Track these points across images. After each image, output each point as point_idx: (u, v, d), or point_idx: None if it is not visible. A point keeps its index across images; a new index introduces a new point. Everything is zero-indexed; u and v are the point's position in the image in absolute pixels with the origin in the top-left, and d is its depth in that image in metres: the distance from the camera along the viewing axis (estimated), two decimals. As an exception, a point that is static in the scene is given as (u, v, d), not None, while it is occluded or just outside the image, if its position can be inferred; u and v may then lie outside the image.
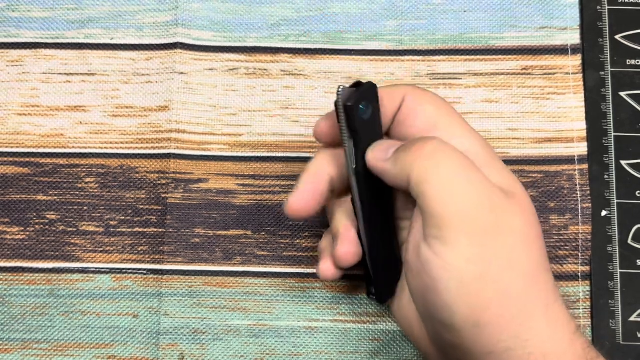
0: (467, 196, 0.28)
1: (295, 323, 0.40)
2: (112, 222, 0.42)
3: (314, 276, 0.40)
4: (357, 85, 0.32)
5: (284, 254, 0.41)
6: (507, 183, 0.31)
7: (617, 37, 0.44)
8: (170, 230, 0.41)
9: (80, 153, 0.43)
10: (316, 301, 0.40)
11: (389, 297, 0.35)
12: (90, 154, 0.43)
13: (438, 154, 0.29)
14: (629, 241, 0.41)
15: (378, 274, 0.35)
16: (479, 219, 0.28)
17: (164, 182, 0.42)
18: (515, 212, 0.30)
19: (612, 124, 0.43)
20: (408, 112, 0.33)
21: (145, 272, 0.41)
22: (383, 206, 0.34)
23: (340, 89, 0.30)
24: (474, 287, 0.28)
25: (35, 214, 0.42)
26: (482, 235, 0.28)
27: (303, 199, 0.33)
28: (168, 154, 0.42)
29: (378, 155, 0.31)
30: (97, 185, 0.42)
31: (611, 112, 0.43)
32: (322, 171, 0.34)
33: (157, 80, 0.44)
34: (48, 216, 0.42)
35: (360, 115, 0.31)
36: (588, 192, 0.42)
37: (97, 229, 0.42)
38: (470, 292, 0.28)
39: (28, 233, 0.42)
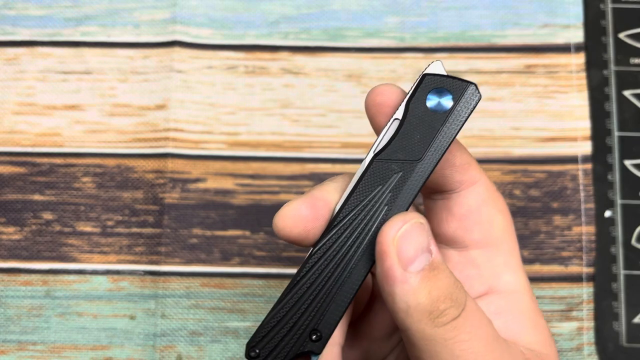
0: None
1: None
2: (108, 223, 0.41)
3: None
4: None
5: (283, 254, 0.41)
6: (541, 346, 0.25)
7: (621, 35, 0.44)
8: (168, 230, 0.41)
9: (77, 152, 0.42)
10: (316, 302, 0.40)
11: None
12: (87, 153, 0.42)
13: (459, 333, 0.22)
14: (633, 242, 0.41)
15: (283, 325, 0.24)
16: None
17: (162, 181, 0.42)
18: None
19: (615, 123, 0.42)
20: (472, 210, 0.26)
21: (142, 273, 0.41)
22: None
23: (435, 61, 0.25)
24: None
25: (31, 214, 0.41)
26: None
27: (313, 209, 0.24)
28: (165, 153, 0.42)
29: (404, 251, 0.22)
30: (93, 185, 0.42)
31: (615, 111, 0.42)
32: (331, 198, 0.25)
33: (155, 78, 0.43)
34: (44, 216, 0.41)
35: (429, 100, 0.24)
36: (591, 193, 0.41)
37: (94, 230, 0.41)
38: None
39: (24, 233, 0.41)
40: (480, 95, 0.24)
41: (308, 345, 0.23)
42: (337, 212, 0.24)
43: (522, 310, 0.25)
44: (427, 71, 0.24)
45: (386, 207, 0.23)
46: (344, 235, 0.24)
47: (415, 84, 0.24)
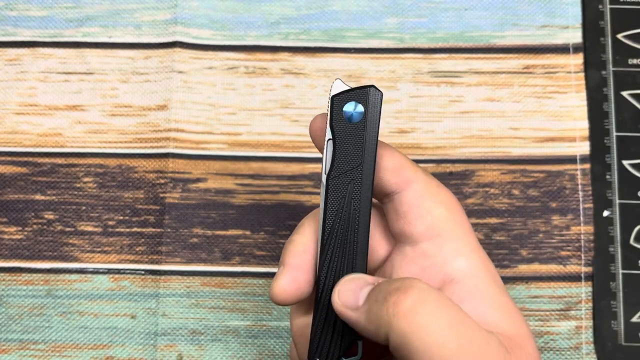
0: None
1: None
2: (110, 222, 0.41)
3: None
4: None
5: (284, 254, 0.41)
6: (511, 327, 0.26)
7: (619, 36, 0.44)
8: (169, 230, 0.41)
9: (78, 152, 0.43)
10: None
11: None
12: (89, 153, 0.42)
13: (420, 309, 0.24)
14: (631, 242, 0.41)
15: (325, 331, 0.28)
16: None
17: (162, 181, 0.42)
18: None
19: (614, 123, 0.42)
20: (412, 205, 0.28)
21: (143, 272, 0.41)
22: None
23: (335, 81, 0.28)
24: None
25: (33, 214, 0.42)
26: None
27: (294, 279, 0.28)
28: (166, 153, 0.42)
29: (346, 300, 0.26)
30: (95, 185, 0.42)
31: (613, 111, 0.43)
32: (312, 242, 0.28)
33: (156, 79, 0.43)
34: (46, 216, 0.42)
35: (345, 115, 0.28)
36: (590, 192, 0.41)
37: (95, 229, 0.41)
38: None
39: (26, 233, 0.41)
40: (382, 92, 0.28)
41: (351, 336, 0.27)
42: (321, 237, 0.28)
43: (482, 293, 0.27)
44: (332, 93, 0.28)
45: (355, 213, 0.28)
46: (335, 250, 0.28)
47: (329, 107, 0.28)
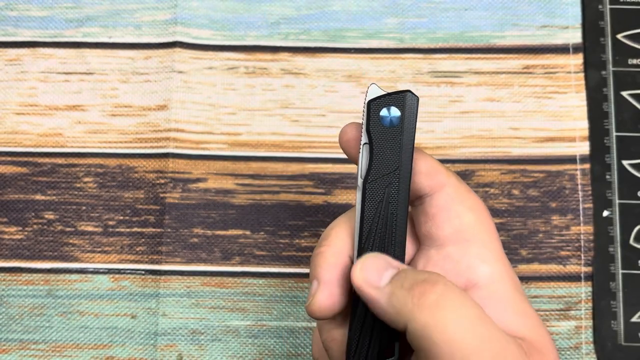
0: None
1: (295, 323, 0.40)
2: (110, 222, 0.41)
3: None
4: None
5: (283, 253, 0.41)
6: (532, 333, 0.27)
7: (619, 36, 0.44)
8: (169, 230, 0.41)
9: (79, 152, 0.43)
10: (316, 302, 0.40)
11: None
12: (89, 153, 0.43)
13: (444, 303, 0.24)
14: (631, 242, 0.41)
15: (363, 337, 0.28)
16: None
17: (163, 181, 0.42)
18: None
19: (613, 123, 0.42)
20: (441, 209, 0.28)
21: (143, 272, 0.41)
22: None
23: (371, 86, 0.28)
24: None
25: (33, 214, 0.42)
26: None
27: (331, 295, 0.27)
28: (166, 153, 0.42)
29: (368, 277, 0.26)
30: (95, 185, 0.42)
31: (613, 111, 0.43)
32: (343, 252, 0.28)
33: (156, 79, 0.43)
34: (46, 216, 0.42)
35: (382, 120, 0.28)
36: (590, 192, 0.41)
37: (96, 229, 0.41)
38: None
39: (26, 233, 0.41)
40: (418, 97, 0.28)
41: (389, 338, 0.27)
42: (359, 239, 0.28)
43: (504, 299, 0.27)
44: (368, 98, 0.28)
45: (393, 216, 0.28)
46: (372, 250, 0.28)
47: (366, 112, 0.28)
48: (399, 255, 0.28)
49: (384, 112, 0.28)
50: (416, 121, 0.28)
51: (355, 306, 0.28)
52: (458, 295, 0.25)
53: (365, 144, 0.28)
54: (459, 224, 0.28)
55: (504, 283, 0.27)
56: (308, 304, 0.28)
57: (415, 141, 0.28)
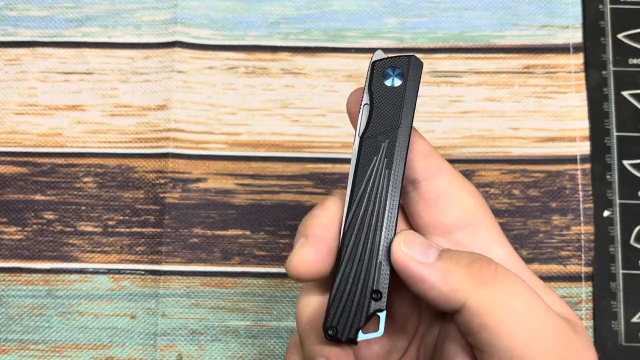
0: (546, 334, 0.24)
1: (295, 324, 0.40)
2: (110, 222, 0.41)
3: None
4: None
5: (283, 254, 0.41)
6: (566, 312, 0.27)
7: (619, 36, 0.44)
8: (169, 230, 0.41)
9: (78, 152, 0.43)
10: (316, 302, 0.40)
11: (352, 338, 0.26)
12: (88, 153, 0.42)
13: (506, 282, 0.24)
14: (631, 242, 0.41)
15: (345, 300, 0.26)
16: (561, 358, 0.24)
17: (162, 181, 0.42)
18: (586, 348, 0.26)
19: (614, 123, 0.42)
20: (442, 194, 0.27)
21: (143, 272, 0.41)
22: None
23: (377, 50, 0.28)
24: None
25: (32, 214, 0.42)
26: None
27: (319, 251, 0.26)
28: (166, 153, 0.42)
29: (414, 253, 0.25)
30: (95, 185, 0.42)
31: (613, 111, 0.43)
32: (336, 218, 0.27)
33: (156, 79, 0.43)
34: (46, 216, 0.42)
35: (384, 80, 0.27)
36: (590, 192, 0.41)
37: (95, 229, 0.41)
38: None
39: (26, 233, 0.41)
40: (422, 62, 0.28)
41: (372, 306, 0.26)
42: (350, 193, 0.27)
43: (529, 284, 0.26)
44: (373, 59, 0.28)
45: (387, 171, 0.27)
46: (363, 207, 0.27)
47: (369, 72, 0.27)
48: (392, 215, 0.27)
49: (387, 72, 0.27)
50: (419, 86, 0.27)
51: (339, 267, 0.26)
52: (513, 274, 0.25)
53: (365, 104, 0.28)
54: (463, 209, 0.27)
55: (518, 264, 0.27)
56: (289, 258, 0.26)
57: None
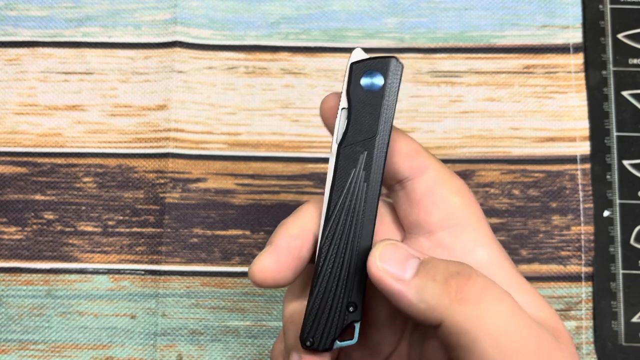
0: (524, 349, 0.23)
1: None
2: (110, 222, 0.41)
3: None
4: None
5: (283, 254, 0.41)
6: (549, 318, 0.26)
7: (619, 36, 0.44)
8: (168, 230, 0.41)
9: (78, 152, 0.43)
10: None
11: (328, 348, 0.26)
12: (88, 153, 0.42)
13: (484, 298, 0.23)
14: (631, 242, 0.41)
15: (322, 310, 0.26)
16: None
17: (162, 181, 0.42)
18: (569, 357, 0.25)
19: (614, 123, 0.42)
20: (426, 193, 0.27)
21: (143, 272, 0.41)
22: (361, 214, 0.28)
23: (355, 49, 0.27)
24: None
25: (32, 214, 0.42)
26: None
27: (279, 261, 0.26)
28: (166, 153, 0.42)
29: (389, 268, 0.24)
30: (95, 185, 0.42)
31: (613, 111, 0.43)
32: (308, 228, 0.27)
33: (156, 79, 0.43)
34: (46, 216, 0.42)
35: (363, 82, 0.27)
36: (590, 192, 0.41)
37: (95, 229, 0.41)
38: None
39: (25, 233, 0.41)
40: (403, 65, 0.27)
41: (349, 317, 0.26)
42: (327, 205, 0.27)
43: (505, 283, 0.25)
44: (351, 60, 0.27)
45: (365, 183, 0.27)
46: (341, 220, 0.27)
47: (347, 74, 0.27)
48: (369, 224, 0.26)
49: (366, 75, 0.27)
50: (399, 89, 0.27)
51: (316, 278, 0.26)
52: (495, 287, 0.24)
53: (343, 108, 0.27)
54: (447, 208, 0.27)
55: (502, 265, 0.27)
56: (252, 263, 0.26)
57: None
